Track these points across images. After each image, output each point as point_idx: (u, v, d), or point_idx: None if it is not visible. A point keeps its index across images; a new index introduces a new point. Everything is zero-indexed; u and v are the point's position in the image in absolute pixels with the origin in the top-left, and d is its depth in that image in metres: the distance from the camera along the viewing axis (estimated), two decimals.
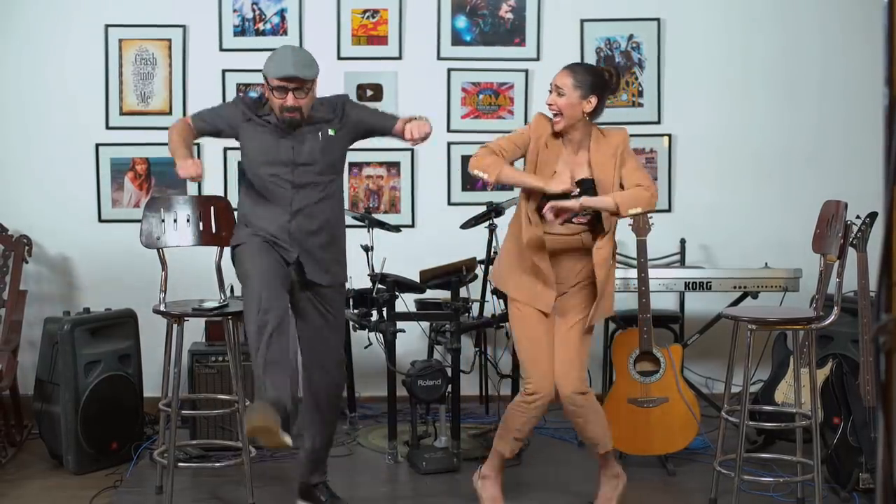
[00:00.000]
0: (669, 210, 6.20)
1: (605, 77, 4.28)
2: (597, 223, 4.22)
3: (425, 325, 5.71)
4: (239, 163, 4.43)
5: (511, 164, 4.24)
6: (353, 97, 6.05)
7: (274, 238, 4.22)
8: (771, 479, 4.64)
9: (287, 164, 4.24)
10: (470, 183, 6.14)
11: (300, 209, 4.24)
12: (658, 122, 6.20)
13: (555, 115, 4.21)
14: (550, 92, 4.22)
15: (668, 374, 4.94)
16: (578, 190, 4.14)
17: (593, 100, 4.17)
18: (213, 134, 4.42)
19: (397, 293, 5.21)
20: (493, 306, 5.39)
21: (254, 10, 6.04)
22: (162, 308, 4.57)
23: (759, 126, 6.23)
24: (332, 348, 4.43)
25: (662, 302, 5.95)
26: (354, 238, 5.38)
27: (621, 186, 4.19)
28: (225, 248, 4.85)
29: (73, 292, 6.02)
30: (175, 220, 4.79)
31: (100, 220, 6.04)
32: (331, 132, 4.29)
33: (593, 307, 4.24)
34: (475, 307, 5.57)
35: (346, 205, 6.04)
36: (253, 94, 6.01)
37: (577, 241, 4.24)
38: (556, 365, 4.23)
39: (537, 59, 6.14)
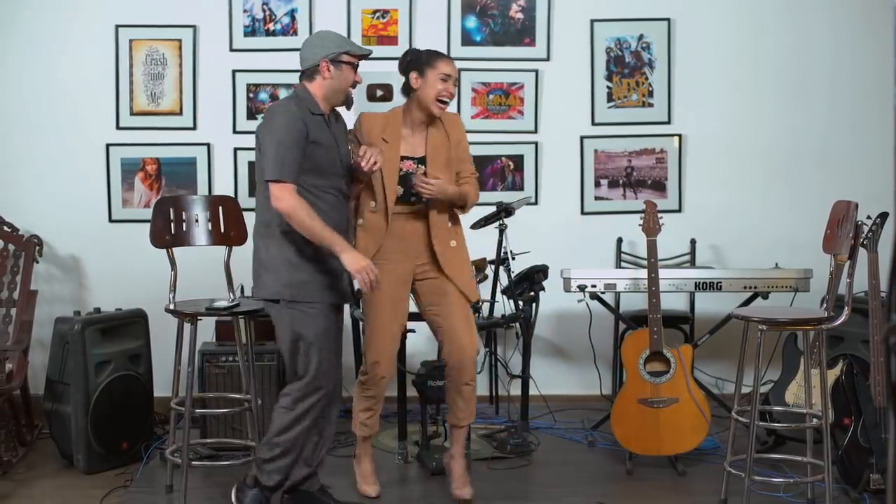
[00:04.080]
0: (680, 210, 6.19)
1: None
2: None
3: None
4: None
5: None
6: (364, 97, 6.07)
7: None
8: (781, 480, 4.63)
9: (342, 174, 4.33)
10: (479, 183, 6.14)
11: None
12: (668, 123, 6.19)
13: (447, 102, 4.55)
14: (446, 81, 4.47)
15: (679, 374, 4.93)
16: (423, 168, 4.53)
17: None
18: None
19: None
20: (503, 306, 5.39)
21: (264, 11, 6.05)
22: (172, 307, 4.58)
23: (770, 126, 6.22)
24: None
25: (673, 302, 5.95)
26: None
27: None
28: (234, 248, 4.86)
29: (83, 292, 6.04)
30: (184, 221, 4.79)
31: (110, 220, 6.06)
32: None
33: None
34: (485, 307, 5.56)
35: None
36: (264, 95, 6.04)
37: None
38: None
39: (547, 59, 6.13)
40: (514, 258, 5.33)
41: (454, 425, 4.65)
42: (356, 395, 4.67)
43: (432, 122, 4.56)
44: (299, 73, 4.28)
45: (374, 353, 4.51)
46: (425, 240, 4.55)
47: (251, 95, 6.05)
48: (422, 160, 4.53)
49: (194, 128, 6.06)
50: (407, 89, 4.55)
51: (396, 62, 6.04)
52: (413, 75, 4.50)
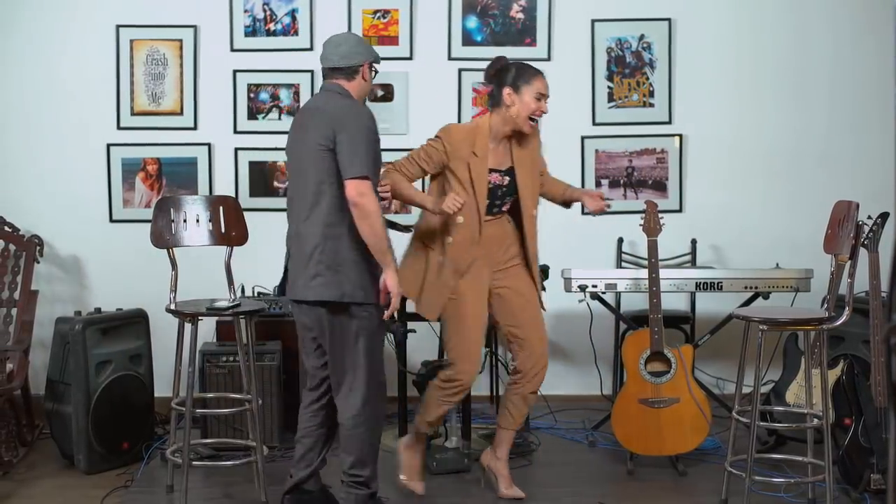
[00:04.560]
0: (680, 210, 6.19)
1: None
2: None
3: (436, 325, 5.70)
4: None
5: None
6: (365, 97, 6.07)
7: None
8: (782, 480, 4.63)
9: None
10: None
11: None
12: (669, 123, 6.19)
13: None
14: (540, 100, 4.49)
15: (679, 374, 4.93)
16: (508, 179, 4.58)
17: None
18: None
19: None
20: None
21: (265, 11, 6.05)
22: (173, 307, 4.58)
23: (770, 126, 6.22)
24: (337, 387, 4.21)
25: (673, 302, 5.95)
26: None
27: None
28: (235, 248, 4.86)
29: (84, 292, 6.04)
30: (185, 221, 4.79)
31: (111, 221, 6.06)
32: None
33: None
34: None
35: None
36: (264, 95, 6.03)
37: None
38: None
39: (548, 59, 6.13)
40: None
41: (507, 428, 4.68)
42: (435, 397, 4.61)
43: (517, 134, 4.57)
44: (329, 69, 4.20)
45: (468, 359, 4.53)
46: (501, 246, 4.60)
47: (252, 95, 6.05)
48: (508, 172, 4.56)
49: (195, 128, 6.07)
50: (497, 101, 4.54)
51: (397, 62, 6.10)
52: (507, 91, 4.48)
